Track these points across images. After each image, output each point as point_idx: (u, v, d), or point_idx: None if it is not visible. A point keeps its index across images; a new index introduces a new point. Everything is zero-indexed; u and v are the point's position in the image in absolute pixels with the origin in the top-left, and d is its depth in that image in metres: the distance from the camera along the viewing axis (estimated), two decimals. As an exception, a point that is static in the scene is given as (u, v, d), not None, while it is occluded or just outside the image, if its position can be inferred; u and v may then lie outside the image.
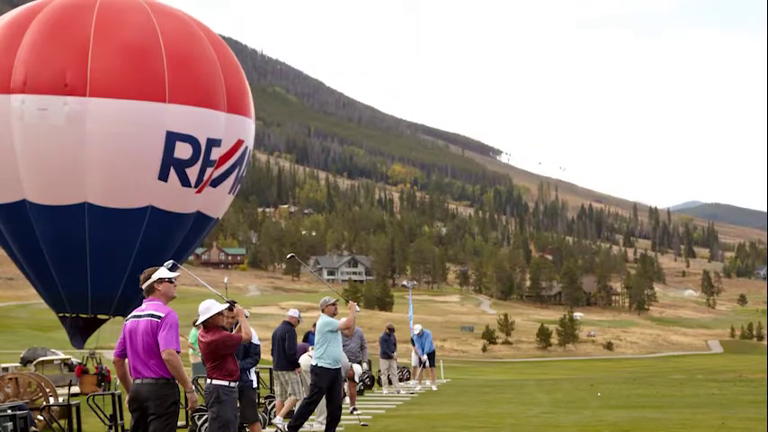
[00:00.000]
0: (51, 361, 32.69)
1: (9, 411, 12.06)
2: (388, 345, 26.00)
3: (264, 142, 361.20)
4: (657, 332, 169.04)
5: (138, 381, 8.91)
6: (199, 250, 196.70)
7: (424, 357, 27.44)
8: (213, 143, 20.28)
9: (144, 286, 9.15)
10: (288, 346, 15.81)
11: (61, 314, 21.59)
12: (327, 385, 13.81)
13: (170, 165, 19.75)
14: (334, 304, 14.20)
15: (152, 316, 8.92)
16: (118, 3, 20.29)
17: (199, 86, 20.09)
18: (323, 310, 14.15)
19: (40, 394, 16.10)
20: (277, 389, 16.45)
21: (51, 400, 15.58)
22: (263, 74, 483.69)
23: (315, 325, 14.82)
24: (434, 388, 27.72)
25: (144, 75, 19.42)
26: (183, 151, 19.77)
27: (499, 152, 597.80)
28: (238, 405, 11.22)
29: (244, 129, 21.52)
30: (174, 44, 19.97)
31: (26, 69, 19.06)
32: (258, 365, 13.60)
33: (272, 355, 16.21)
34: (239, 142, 21.28)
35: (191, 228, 21.09)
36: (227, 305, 10.50)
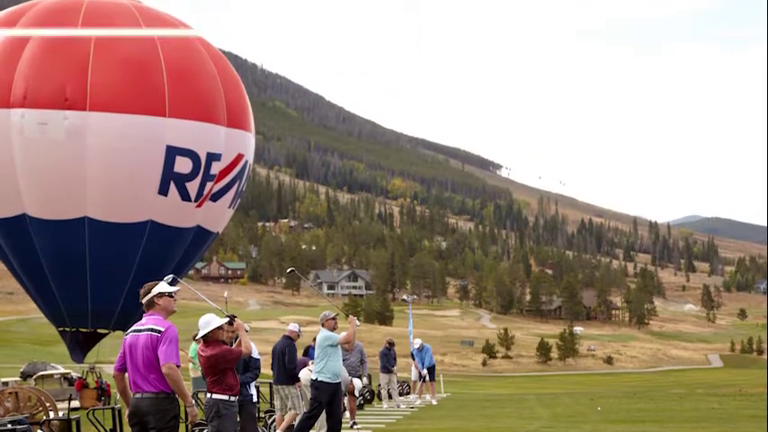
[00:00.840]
0: (51, 375, 32.62)
1: (9, 426, 12.05)
2: (388, 359, 25.94)
3: (264, 156, 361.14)
4: (657, 346, 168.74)
5: (138, 395, 8.90)
6: (199, 264, 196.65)
7: (424, 372, 27.41)
8: (213, 157, 20.31)
9: (144, 300, 9.15)
10: (288, 361, 15.79)
11: (61, 328, 21.57)
12: (327, 399, 13.81)
13: (170, 179, 19.77)
14: (334, 318, 14.20)
15: (152, 330, 8.91)
16: (118, 18, 20.35)
17: (199, 101, 20.14)
18: (323, 325, 14.15)
19: (40, 408, 16.10)
20: (277, 403, 16.42)
21: (51, 415, 15.58)
22: (263, 88, 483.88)
23: (315, 339, 14.82)
24: (434, 402, 27.65)
25: (144, 89, 19.47)
26: (182, 165, 19.79)
27: (499, 166, 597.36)
28: (238, 419, 11.21)
29: (244, 143, 21.56)
30: (174, 59, 20.02)
31: (26, 84, 19.10)
32: (258, 380, 13.60)
33: (272, 369, 16.19)
34: (239, 156, 21.31)
35: (191, 242, 21.11)
36: (227, 319, 10.50)
